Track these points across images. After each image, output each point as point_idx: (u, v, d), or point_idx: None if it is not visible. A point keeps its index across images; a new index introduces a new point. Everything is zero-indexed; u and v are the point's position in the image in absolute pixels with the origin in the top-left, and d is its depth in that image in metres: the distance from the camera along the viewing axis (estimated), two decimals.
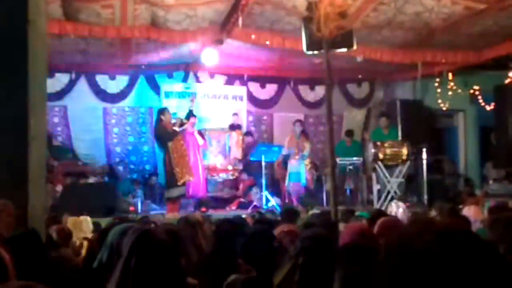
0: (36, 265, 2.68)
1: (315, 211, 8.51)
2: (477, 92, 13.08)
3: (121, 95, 12.10)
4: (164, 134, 10.08)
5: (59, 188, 10.03)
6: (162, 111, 10.41)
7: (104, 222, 6.43)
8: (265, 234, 3.21)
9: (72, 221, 5.75)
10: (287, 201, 10.83)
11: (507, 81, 11.82)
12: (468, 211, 5.91)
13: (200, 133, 10.93)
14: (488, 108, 12.79)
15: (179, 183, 9.95)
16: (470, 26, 8.95)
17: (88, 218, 6.05)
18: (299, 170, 10.92)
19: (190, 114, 10.75)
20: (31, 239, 2.76)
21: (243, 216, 6.69)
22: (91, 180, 10.79)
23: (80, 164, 11.35)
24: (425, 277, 1.07)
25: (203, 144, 10.93)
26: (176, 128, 10.17)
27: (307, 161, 11.07)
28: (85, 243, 4.90)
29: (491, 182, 11.83)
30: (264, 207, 10.06)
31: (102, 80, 11.96)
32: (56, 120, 11.71)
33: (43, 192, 3.99)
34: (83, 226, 5.73)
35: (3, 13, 3.70)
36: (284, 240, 3.51)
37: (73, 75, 11.66)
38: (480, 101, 13.07)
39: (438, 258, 1.07)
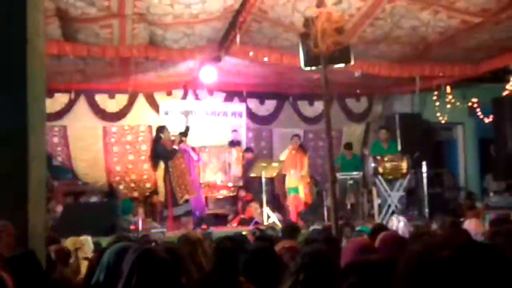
0: (36, 286, 2.66)
1: (316, 226, 8.48)
2: (475, 105, 13.13)
3: (121, 114, 12.11)
4: (164, 153, 10.04)
5: (59, 208, 10.00)
6: (161, 129, 10.38)
7: (105, 241, 6.40)
8: (266, 251, 3.19)
9: (73, 241, 5.72)
10: (288, 217, 10.79)
11: (504, 93, 11.86)
12: (469, 224, 5.90)
13: (193, 149, 10.85)
14: (486, 120, 12.82)
15: (180, 202, 9.92)
16: (466, 39, 9.00)
17: (89, 238, 6.02)
18: (298, 185, 10.91)
19: (187, 130, 10.71)
20: (30, 259, 2.76)
21: (244, 233, 6.66)
22: (92, 199, 10.77)
23: (80, 184, 11.34)
24: None
25: (197, 160, 10.88)
26: (175, 146, 10.13)
27: (305, 176, 11.05)
28: (85, 263, 4.89)
29: (491, 194, 11.81)
30: (265, 223, 10.02)
31: (101, 99, 11.98)
32: (55, 140, 11.72)
33: (43, 212, 3.98)
34: (84, 246, 5.70)
35: (2, 33, 3.73)
36: (285, 257, 3.50)
37: (73, 95, 11.69)
38: (479, 113, 13.10)
39: (459, 273, 1.06)
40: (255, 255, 3.05)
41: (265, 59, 9.36)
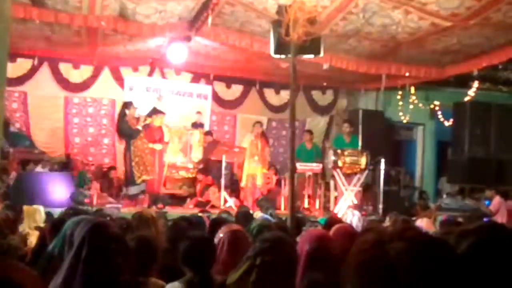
0: None
1: (268, 216, 8.52)
2: (437, 108, 13.39)
3: (84, 85, 11.92)
4: (128, 131, 9.91)
5: (13, 175, 9.81)
6: (127, 105, 10.24)
7: (57, 212, 6.32)
8: (206, 241, 3.21)
9: (25, 209, 5.63)
10: (244, 202, 10.82)
11: (466, 98, 12.12)
12: (421, 223, 6.04)
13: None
14: (446, 124, 13.09)
15: (137, 181, 9.85)
16: (435, 42, 9.14)
17: (41, 208, 5.94)
18: (255, 172, 10.94)
19: (154, 111, 10.62)
20: None
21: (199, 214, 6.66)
22: (47, 169, 10.58)
23: (36, 152, 11.12)
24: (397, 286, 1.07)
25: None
26: (139, 127, 10.02)
27: (264, 164, 11.09)
28: (35, 232, 4.82)
29: (444, 196, 12.09)
30: (222, 207, 10.03)
31: (65, 68, 11.76)
32: (15, 106, 11.46)
33: None
34: (36, 216, 5.61)
35: None
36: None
37: (36, 61, 11.44)
38: (440, 116, 13.37)
39: (411, 264, 1.08)
40: (195, 244, 3.07)
41: (236, 43, 9.31)
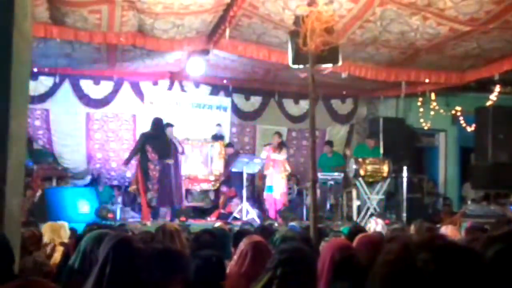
0: (6, 269, 2.64)
1: (294, 224, 8.49)
2: (458, 113, 13.25)
3: (105, 101, 12.04)
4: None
5: (37, 192, 9.92)
6: (168, 125, 10.27)
7: (82, 228, 6.37)
8: (216, 261, 3.17)
9: (50, 226, 5.68)
10: (267, 214, 10.80)
11: (488, 103, 11.99)
12: (446, 230, 5.96)
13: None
14: (469, 129, 12.95)
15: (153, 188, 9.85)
16: (454, 47, 9.07)
17: (66, 224, 5.99)
18: (277, 182, 10.88)
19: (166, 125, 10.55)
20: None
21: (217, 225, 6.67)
22: (71, 185, 10.69)
23: (59, 169, 11.24)
24: None
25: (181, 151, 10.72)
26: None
27: (284, 175, 11.02)
28: (60, 248, 4.86)
29: (469, 202, 11.93)
30: (244, 219, 10.02)
31: (86, 84, 11.89)
32: (37, 123, 11.60)
33: (20, 196, 3.94)
34: (61, 232, 5.66)
35: None
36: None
37: (57, 79, 11.59)
38: (462, 122, 13.22)
39: (436, 275, 1.06)
40: (206, 265, 3.04)
41: (254, 55, 9.34)
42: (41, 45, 8.69)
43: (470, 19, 7.69)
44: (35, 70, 10.66)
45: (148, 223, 9.16)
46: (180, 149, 10.32)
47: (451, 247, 1.13)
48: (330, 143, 12.23)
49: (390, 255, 1.14)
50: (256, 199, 11.50)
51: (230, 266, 3.35)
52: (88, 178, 11.46)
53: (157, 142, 9.94)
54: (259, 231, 5.75)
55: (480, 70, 10.24)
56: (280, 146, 11.19)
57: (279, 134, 11.46)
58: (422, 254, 1.09)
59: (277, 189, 10.83)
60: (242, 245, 3.37)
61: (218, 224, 8.15)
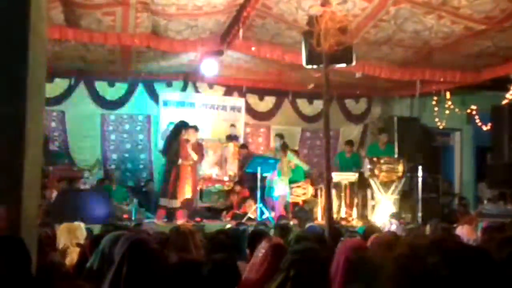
0: (24, 270, 2.66)
1: (311, 223, 8.47)
2: (474, 112, 13.13)
3: (120, 102, 12.11)
4: (176, 152, 9.81)
5: (53, 193, 9.99)
6: (184, 125, 10.12)
7: (97, 229, 6.42)
8: (228, 265, 3.14)
9: (67, 226, 5.72)
10: (281, 215, 10.76)
11: (504, 101, 11.86)
12: (462, 230, 5.92)
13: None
14: (484, 128, 12.83)
15: (177, 199, 9.80)
16: (469, 46, 9.00)
17: (82, 224, 6.03)
18: (277, 184, 10.76)
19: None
20: (14, 243, 2.75)
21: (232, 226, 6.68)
22: (86, 186, 10.75)
23: (75, 170, 11.31)
24: None
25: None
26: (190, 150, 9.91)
27: (284, 178, 10.88)
28: (75, 249, 4.89)
29: (485, 202, 11.84)
30: (259, 219, 10.02)
31: (101, 86, 11.98)
32: (53, 124, 11.71)
33: (37, 197, 3.98)
34: (77, 232, 5.70)
35: (5, 17, 3.72)
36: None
37: (72, 81, 11.69)
38: (477, 121, 13.11)
39: (447, 278, 1.06)
40: (216, 267, 3.02)
41: (267, 55, 9.35)
42: (56, 47, 8.77)
43: (485, 17, 7.63)
44: (51, 72, 10.74)
45: (163, 223, 9.19)
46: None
47: (461, 248, 1.13)
48: (350, 143, 12.11)
49: (400, 257, 1.15)
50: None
51: (247, 269, 3.33)
52: (103, 179, 11.50)
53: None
54: (278, 231, 5.76)
55: (496, 68, 10.15)
56: (284, 149, 11.06)
57: (279, 136, 11.33)
58: (432, 256, 1.09)
59: (277, 191, 10.72)
60: (262, 248, 3.33)
61: (232, 224, 8.17)
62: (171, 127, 10.52)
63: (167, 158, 10.07)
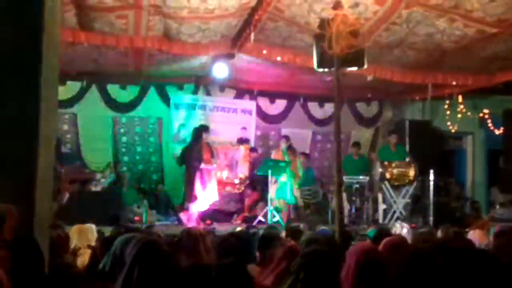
0: (37, 271, 2.68)
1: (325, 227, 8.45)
2: (486, 116, 13.07)
3: (131, 105, 12.15)
4: (198, 156, 9.85)
5: (65, 195, 10.05)
6: (205, 129, 10.20)
7: (108, 231, 6.44)
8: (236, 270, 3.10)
9: (78, 228, 5.75)
10: (289, 218, 10.75)
11: None
12: (474, 234, 5.88)
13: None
14: (497, 132, 12.77)
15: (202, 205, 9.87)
16: (481, 49, 8.96)
17: (93, 226, 6.06)
18: (285, 187, 10.74)
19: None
20: (28, 244, 2.77)
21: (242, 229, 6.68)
22: (98, 188, 10.81)
23: (87, 172, 11.38)
24: None
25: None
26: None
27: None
28: (87, 250, 4.92)
29: (497, 206, 11.76)
30: (269, 222, 10.01)
31: (113, 89, 12.02)
32: (65, 127, 11.78)
33: (49, 198, 4.01)
34: (88, 234, 5.73)
35: (19, 20, 3.76)
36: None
37: (85, 83, 11.74)
38: (489, 124, 13.04)
39: (451, 282, 1.07)
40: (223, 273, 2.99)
41: (278, 58, 9.35)
42: (68, 50, 8.82)
43: (497, 20, 7.60)
44: (63, 75, 10.81)
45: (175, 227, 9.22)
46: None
47: (466, 252, 1.13)
48: (357, 145, 12.03)
49: (411, 260, 1.15)
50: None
51: (261, 272, 3.32)
52: (115, 181, 11.55)
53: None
54: (290, 232, 5.76)
55: (509, 72, 10.09)
56: (293, 150, 11.04)
57: (287, 138, 11.31)
58: (438, 259, 1.10)
59: (287, 194, 10.69)
60: (278, 252, 3.31)
61: (243, 227, 8.16)
62: (192, 130, 10.52)
63: (189, 162, 10.07)
